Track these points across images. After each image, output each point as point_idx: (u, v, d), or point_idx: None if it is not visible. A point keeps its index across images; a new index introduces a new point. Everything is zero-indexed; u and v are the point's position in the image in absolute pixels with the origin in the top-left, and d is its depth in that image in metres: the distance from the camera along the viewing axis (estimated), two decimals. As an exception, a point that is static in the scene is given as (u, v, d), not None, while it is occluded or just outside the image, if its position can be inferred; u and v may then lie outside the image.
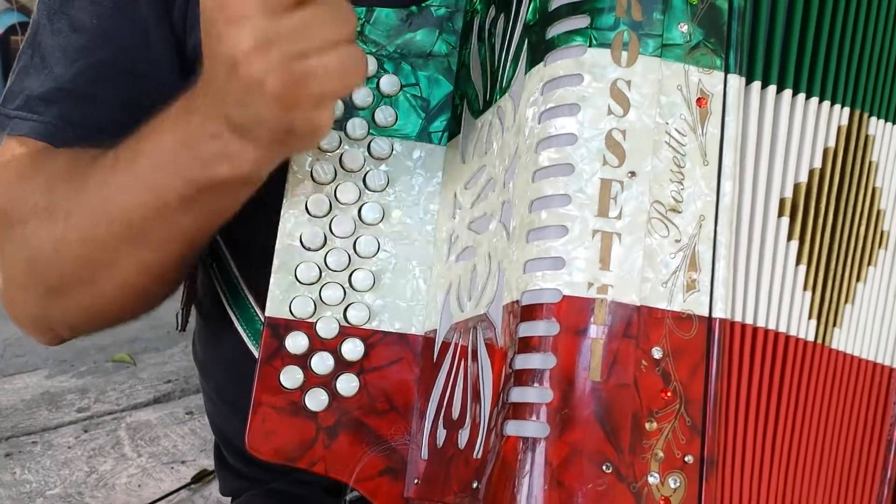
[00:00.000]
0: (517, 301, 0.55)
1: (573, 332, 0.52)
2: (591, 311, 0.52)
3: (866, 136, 0.63)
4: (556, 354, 0.52)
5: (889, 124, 0.64)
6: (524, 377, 0.53)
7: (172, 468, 2.10)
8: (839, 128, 0.62)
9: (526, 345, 0.53)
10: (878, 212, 0.63)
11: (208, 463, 2.07)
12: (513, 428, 0.53)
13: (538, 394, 0.52)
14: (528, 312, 0.54)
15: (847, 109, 0.62)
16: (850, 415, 0.60)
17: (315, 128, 0.60)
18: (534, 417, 0.52)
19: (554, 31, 0.57)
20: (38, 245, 0.73)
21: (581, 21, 0.56)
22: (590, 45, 0.55)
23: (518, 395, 0.53)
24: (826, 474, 0.59)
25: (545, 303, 0.53)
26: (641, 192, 0.54)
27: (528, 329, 0.53)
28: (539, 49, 0.58)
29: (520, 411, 0.52)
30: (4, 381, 2.53)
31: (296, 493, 0.86)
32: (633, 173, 0.54)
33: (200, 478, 2.04)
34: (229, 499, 0.98)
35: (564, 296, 0.53)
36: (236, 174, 0.63)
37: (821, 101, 0.61)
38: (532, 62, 0.58)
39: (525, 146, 0.57)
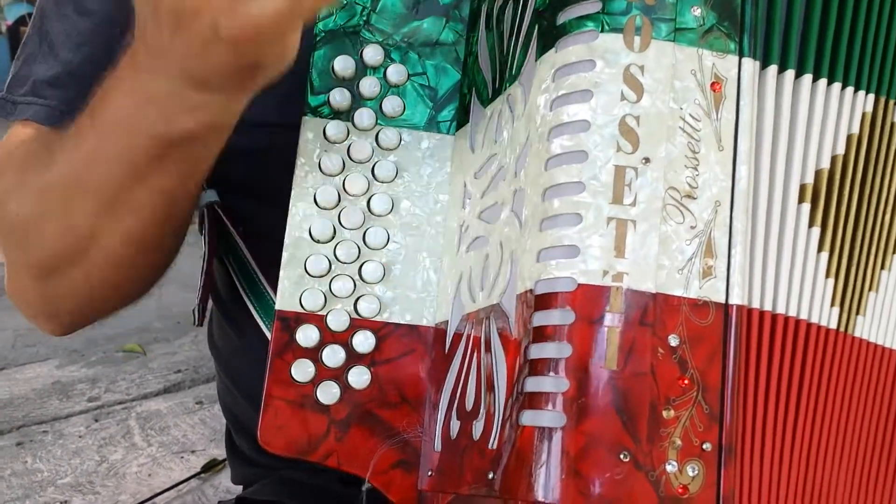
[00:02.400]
0: (531, 290, 0.54)
1: (588, 320, 0.52)
2: (607, 299, 0.52)
3: (892, 124, 0.62)
4: (571, 343, 0.51)
5: None
6: (539, 367, 0.52)
7: (182, 457, 2.11)
8: (864, 114, 0.61)
9: (541, 334, 0.53)
10: None
11: (218, 452, 2.08)
12: (528, 418, 0.52)
13: (554, 383, 0.51)
14: (543, 301, 0.53)
15: (872, 96, 0.61)
16: (872, 403, 0.60)
17: (284, 55, 0.56)
18: (550, 407, 0.51)
19: (565, 16, 0.56)
20: (22, 225, 0.73)
21: (592, 6, 0.55)
22: (602, 31, 0.55)
23: (533, 384, 0.52)
24: (848, 462, 0.59)
25: (560, 291, 0.52)
26: (656, 178, 0.53)
27: (542, 318, 0.53)
28: (550, 35, 0.57)
29: (535, 401, 0.52)
30: (15, 372, 2.54)
31: (308, 482, 0.86)
32: (647, 159, 0.53)
33: (210, 467, 2.04)
34: (240, 487, 0.98)
35: (579, 284, 0.52)
36: (203, 124, 0.61)
37: (843, 87, 0.60)
38: (543, 49, 0.58)
39: (537, 134, 0.57)
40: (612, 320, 0.52)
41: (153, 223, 0.70)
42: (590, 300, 0.52)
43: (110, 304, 0.80)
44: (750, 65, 0.56)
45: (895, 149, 0.62)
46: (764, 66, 0.57)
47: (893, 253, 0.61)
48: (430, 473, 0.64)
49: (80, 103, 0.77)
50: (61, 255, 0.72)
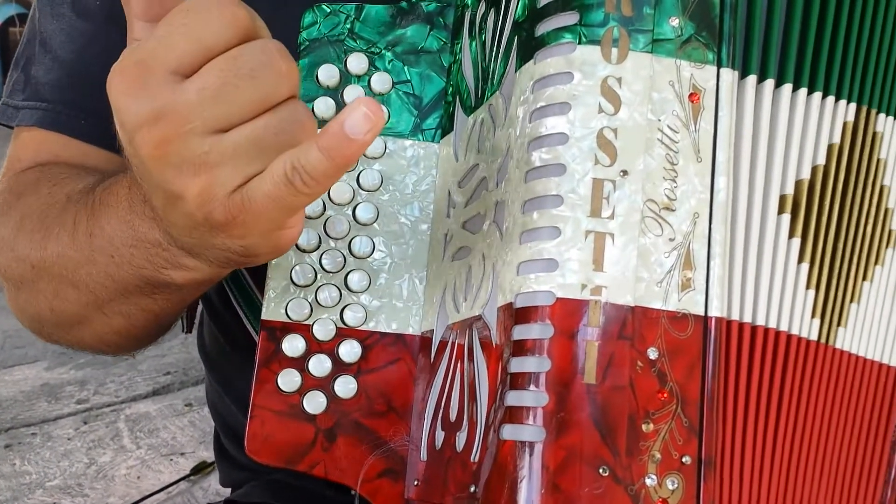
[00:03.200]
0: (511, 303, 0.54)
1: (567, 334, 0.52)
2: (586, 312, 0.52)
3: (874, 133, 0.61)
4: (550, 357, 0.52)
5: None
6: (519, 380, 0.52)
7: (171, 460, 2.10)
8: (845, 124, 0.61)
9: (521, 348, 0.53)
10: (887, 210, 0.62)
11: (207, 455, 2.07)
12: (509, 432, 0.52)
13: (534, 397, 0.52)
14: (523, 315, 0.53)
15: (853, 105, 0.61)
16: (853, 415, 0.59)
17: (276, 246, 0.54)
18: (530, 421, 0.52)
19: (543, 28, 0.56)
20: (13, 281, 0.73)
21: (570, 18, 0.55)
22: (579, 43, 0.54)
23: (514, 398, 0.52)
24: (828, 475, 0.59)
25: (539, 305, 0.53)
26: (634, 190, 0.53)
27: (522, 332, 0.53)
28: (529, 46, 0.57)
29: (516, 415, 0.52)
30: (4, 373, 2.52)
31: (297, 485, 0.86)
32: (625, 172, 0.53)
33: (199, 469, 2.04)
34: (229, 490, 0.98)
35: (558, 298, 0.52)
36: (189, 280, 0.60)
37: (824, 96, 0.60)
38: (522, 60, 0.58)
39: (517, 146, 0.57)
40: (590, 334, 0.52)
41: (143, 325, 0.71)
42: (568, 314, 0.52)
43: (104, 353, 0.80)
44: (728, 75, 0.56)
45: (877, 158, 0.61)
46: (743, 76, 0.57)
47: (875, 264, 0.61)
48: (416, 483, 0.64)
49: (86, 105, 0.76)
50: (49, 320, 0.73)
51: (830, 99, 0.60)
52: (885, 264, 0.61)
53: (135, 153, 0.48)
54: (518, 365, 0.53)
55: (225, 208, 0.48)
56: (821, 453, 0.58)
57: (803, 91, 0.59)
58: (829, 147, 0.60)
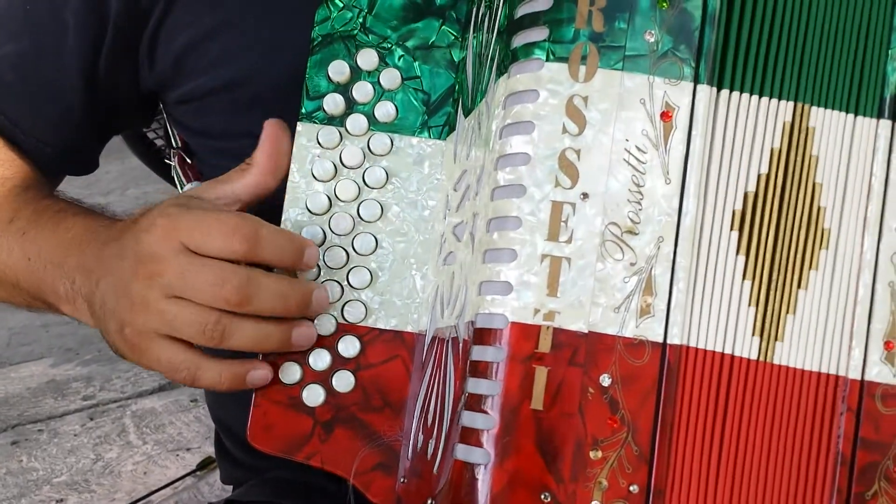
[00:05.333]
0: (473, 321, 0.55)
1: (518, 359, 0.52)
2: (536, 338, 0.52)
3: (807, 129, 0.57)
4: (501, 382, 0.52)
5: (828, 111, 0.57)
6: (472, 402, 0.53)
7: (178, 455, 2.11)
8: (783, 125, 0.56)
9: (475, 369, 0.53)
10: (819, 209, 0.57)
11: (213, 450, 2.08)
12: (461, 452, 0.53)
13: (484, 420, 0.52)
14: (479, 336, 0.54)
15: (790, 104, 0.56)
16: (794, 431, 0.56)
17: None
18: (479, 443, 0.52)
19: (517, 41, 0.55)
20: None
21: (540, 33, 0.54)
22: (547, 60, 0.53)
23: (467, 419, 0.53)
24: (774, 495, 0.56)
25: (494, 328, 0.53)
26: (594, 214, 0.52)
27: (478, 353, 0.53)
28: (505, 59, 0.56)
29: (467, 436, 0.53)
30: (10, 370, 2.55)
31: (298, 480, 0.89)
32: (585, 195, 0.52)
33: (205, 465, 2.04)
34: (232, 487, 1.01)
35: (511, 322, 0.52)
36: (74, 317, 0.72)
37: (761, 97, 0.56)
38: (500, 72, 0.57)
39: (489, 161, 0.56)
40: (540, 360, 0.52)
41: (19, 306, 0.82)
42: (520, 339, 0.52)
43: None
44: (705, 92, 0.53)
45: (809, 155, 0.56)
46: (719, 90, 0.54)
47: (811, 269, 0.57)
48: (403, 480, 0.66)
49: None
50: None
51: (772, 101, 0.56)
52: (820, 268, 0.57)
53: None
54: (473, 386, 0.53)
55: (139, 332, 0.64)
56: (765, 473, 0.55)
57: (745, 96, 0.55)
58: (771, 152, 0.56)
